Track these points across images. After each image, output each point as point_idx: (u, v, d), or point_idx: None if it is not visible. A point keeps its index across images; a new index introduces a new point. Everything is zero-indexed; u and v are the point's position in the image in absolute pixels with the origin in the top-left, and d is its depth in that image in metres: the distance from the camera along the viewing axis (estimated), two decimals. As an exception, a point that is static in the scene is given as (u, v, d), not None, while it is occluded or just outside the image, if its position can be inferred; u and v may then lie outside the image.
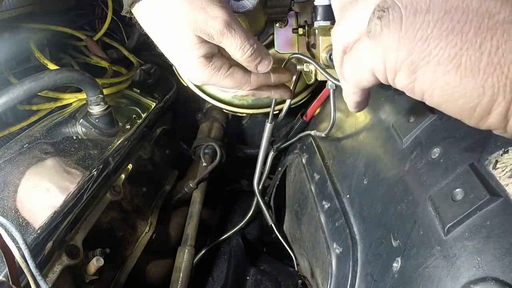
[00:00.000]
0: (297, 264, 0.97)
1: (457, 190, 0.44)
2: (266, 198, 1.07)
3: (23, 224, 0.60)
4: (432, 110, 0.57)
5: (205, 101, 1.12)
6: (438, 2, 0.29)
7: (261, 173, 0.97)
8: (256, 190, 0.98)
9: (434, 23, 0.28)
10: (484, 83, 0.27)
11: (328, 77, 0.60)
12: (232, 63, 0.63)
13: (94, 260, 0.70)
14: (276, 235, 0.99)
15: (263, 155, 0.94)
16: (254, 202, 1.02)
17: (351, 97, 0.40)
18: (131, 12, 0.59)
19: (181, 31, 0.56)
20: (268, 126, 0.91)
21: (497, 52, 0.27)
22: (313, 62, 0.65)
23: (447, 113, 0.31)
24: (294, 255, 0.97)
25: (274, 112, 1.04)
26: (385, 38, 0.30)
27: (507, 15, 0.27)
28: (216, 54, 0.61)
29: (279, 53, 0.95)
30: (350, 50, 0.35)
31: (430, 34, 0.28)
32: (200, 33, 0.56)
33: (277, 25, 0.91)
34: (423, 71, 0.29)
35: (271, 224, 0.99)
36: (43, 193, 0.67)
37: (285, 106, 0.96)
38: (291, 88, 0.74)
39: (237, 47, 0.58)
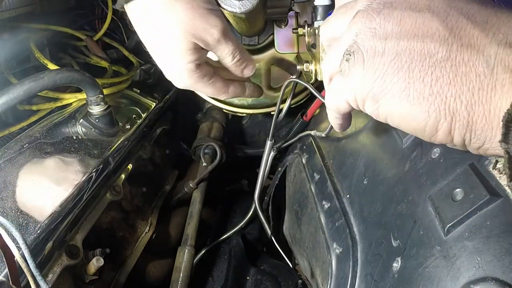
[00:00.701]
0: (297, 264, 0.97)
1: (457, 190, 0.44)
2: (266, 198, 1.07)
3: (23, 224, 0.60)
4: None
5: (205, 101, 1.12)
6: (391, 45, 0.36)
7: (262, 189, 0.99)
8: (258, 206, 0.99)
9: (388, 63, 0.35)
10: (429, 109, 0.34)
11: (320, 97, 0.65)
12: (215, 72, 0.66)
13: (94, 260, 0.70)
14: (276, 242, 1.00)
15: (263, 172, 0.96)
16: (252, 209, 1.03)
17: (334, 120, 0.47)
18: (123, 8, 0.59)
19: (178, 36, 0.57)
20: (268, 144, 0.92)
21: (436, 84, 0.33)
22: (308, 86, 0.70)
23: (406, 131, 0.38)
24: (291, 261, 0.98)
25: (273, 112, 1.05)
26: (352, 76, 0.38)
27: (444, 55, 0.33)
28: (203, 62, 0.63)
29: (279, 53, 0.95)
30: (330, 82, 0.43)
31: (385, 72, 0.35)
32: (197, 40, 0.57)
33: (277, 25, 0.91)
34: (383, 101, 0.37)
35: (271, 237, 1.00)
36: (43, 193, 0.67)
37: (285, 106, 0.96)
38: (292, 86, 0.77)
39: (228, 52, 0.61)
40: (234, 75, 0.68)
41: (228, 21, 0.70)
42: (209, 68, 0.64)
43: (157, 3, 0.56)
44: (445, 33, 0.34)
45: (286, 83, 0.80)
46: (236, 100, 1.09)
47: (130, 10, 0.59)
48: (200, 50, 0.59)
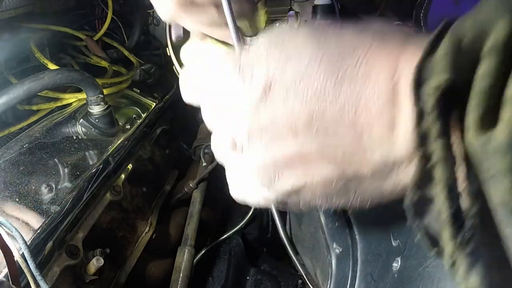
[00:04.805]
0: (302, 264, 0.97)
1: (457, 190, 0.44)
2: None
3: (23, 224, 0.60)
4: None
5: (205, 101, 1.11)
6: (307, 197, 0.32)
7: None
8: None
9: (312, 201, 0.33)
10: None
11: None
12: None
13: (94, 260, 0.70)
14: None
15: None
16: (252, 209, 1.03)
17: None
18: None
19: None
20: None
21: (349, 195, 0.32)
22: None
23: None
24: (296, 259, 0.98)
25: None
26: None
27: (341, 182, 0.31)
28: None
29: (279, 53, 0.95)
30: None
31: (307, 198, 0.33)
32: None
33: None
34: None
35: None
36: (43, 193, 0.67)
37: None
38: None
39: None
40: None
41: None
42: None
43: None
44: (328, 164, 0.30)
45: None
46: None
47: None
48: None
